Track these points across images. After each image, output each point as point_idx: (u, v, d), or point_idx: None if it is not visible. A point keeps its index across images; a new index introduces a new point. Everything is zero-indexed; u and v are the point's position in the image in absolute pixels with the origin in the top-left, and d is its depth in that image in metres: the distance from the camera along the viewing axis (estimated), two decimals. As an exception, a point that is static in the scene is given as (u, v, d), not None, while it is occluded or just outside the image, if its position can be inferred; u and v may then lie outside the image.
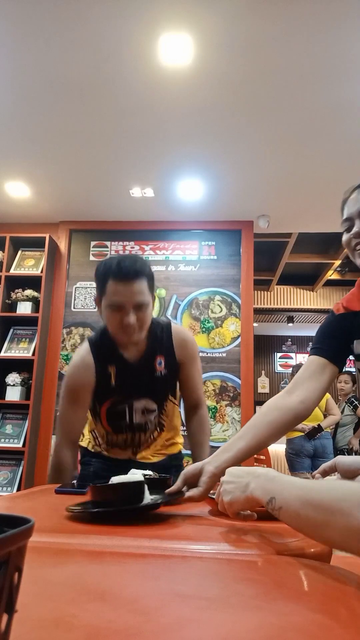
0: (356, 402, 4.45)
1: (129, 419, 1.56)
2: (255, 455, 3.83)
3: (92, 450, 1.64)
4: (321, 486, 0.67)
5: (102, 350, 1.52)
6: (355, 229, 1.15)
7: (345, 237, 1.19)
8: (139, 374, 1.53)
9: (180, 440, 1.72)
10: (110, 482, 0.97)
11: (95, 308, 4.00)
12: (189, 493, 1.02)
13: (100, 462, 1.62)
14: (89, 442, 1.67)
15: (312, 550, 0.71)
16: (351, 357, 1.23)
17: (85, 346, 1.55)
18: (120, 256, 1.43)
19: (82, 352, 1.54)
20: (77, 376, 1.51)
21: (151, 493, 1.11)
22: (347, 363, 1.30)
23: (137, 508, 0.89)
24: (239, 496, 0.80)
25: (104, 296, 1.41)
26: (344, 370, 4.93)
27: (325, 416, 4.38)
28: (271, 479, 0.75)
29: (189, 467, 1.09)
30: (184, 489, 1.02)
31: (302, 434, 4.27)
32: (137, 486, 0.92)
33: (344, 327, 1.21)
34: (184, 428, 1.70)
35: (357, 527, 0.56)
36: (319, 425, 4.25)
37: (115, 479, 0.98)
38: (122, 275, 1.36)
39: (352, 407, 4.47)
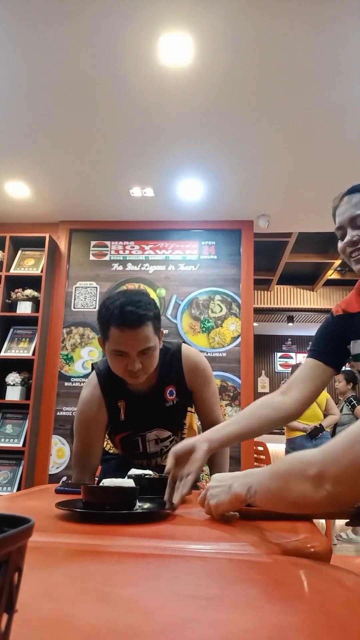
0: (354, 402, 4.45)
1: (143, 449, 1.56)
2: (255, 455, 3.83)
3: (111, 452, 1.68)
4: (282, 460, 0.77)
5: (110, 384, 1.48)
6: (347, 238, 1.15)
7: (340, 245, 1.19)
8: (149, 406, 1.49)
9: None
10: (102, 485, 0.98)
11: (95, 308, 4.01)
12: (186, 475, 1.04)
13: (120, 458, 1.65)
14: (109, 445, 1.68)
15: (312, 550, 0.71)
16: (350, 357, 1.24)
17: (93, 380, 1.52)
18: (123, 297, 1.35)
19: (90, 387, 1.51)
20: (89, 412, 1.48)
21: (151, 493, 1.12)
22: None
23: (131, 514, 0.89)
24: (224, 498, 0.86)
25: (107, 341, 1.36)
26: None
27: (325, 416, 4.39)
28: (248, 474, 0.84)
29: (179, 445, 1.10)
30: (177, 500, 1.01)
31: (304, 433, 4.27)
32: (129, 492, 0.93)
33: (341, 329, 1.23)
34: None
35: (309, 486, 0.67)
36: (320, 424, 4.25)
37: (107, 482, 0.98)
38: (125, 323, 1.31)
39: (350, 407, 4.48)
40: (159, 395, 1.50)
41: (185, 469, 1.05)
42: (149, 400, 1.49)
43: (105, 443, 1.66)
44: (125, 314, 1.31)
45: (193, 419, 1.70)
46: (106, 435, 1.61)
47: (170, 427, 1.56)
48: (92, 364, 1.59)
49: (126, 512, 0.89)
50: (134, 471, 1.19)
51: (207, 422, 1.60)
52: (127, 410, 1.49)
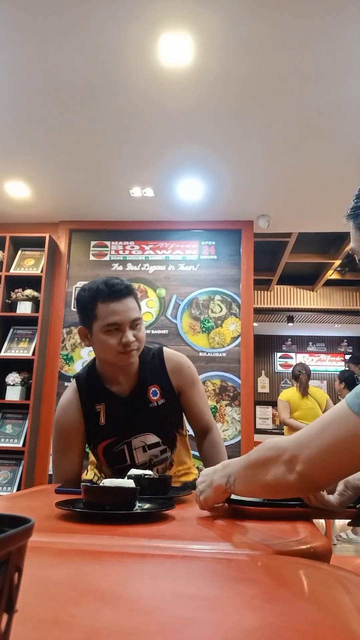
0: None
1: (130, 460, 1.45)
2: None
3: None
4: (257, 448, 0.82)
5: (89, 388, 1.44)
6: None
7: None
8: (132, 408, 1.43)
9: (195, 471, 1.58)
10: (102, 485, 0.98)
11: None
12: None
13: None
14: (95, 476, 1.58)
15: (312, 550, 0.71)
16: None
17: (72, 385, 1.48)
18: (104, 278, 1.36)
19: (68, 392, 1.46)
20: (64, 419, 1.44)
21: (151, 493, 1.12)
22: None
23: (130, 514, 0.89)
24: (209, 492, 0.92)
25: (95, 321, 1.33)
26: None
27: None
28: (227, 465, 0.90)
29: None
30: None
31: None
32: (129, 492, 0.93)
33: None
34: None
35: (283, 469, 0.73)
36: None
37: (107, 482, 0.98)
38: (113, 293, 1.32)
39: None
40: (142, 395, 1.43)
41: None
42: (131, 401, 1.43)
43: (92, 473, 1.59)
44: (113, 285, 1.33)
45: (184, 452, 1.57)
46: (89, 455, 1.52)
47: (158, 432, 1.46)
48: (73, 375, 1.54)
49: (126, 512, 0.89)
50: (134, 471, 1.19)
51: (199, 428, 1.54)
52: (107, 413, 1.42)
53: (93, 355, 1.47)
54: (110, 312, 1.31)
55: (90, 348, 1.43)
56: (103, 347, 1.35)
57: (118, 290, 1.32)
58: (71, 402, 1.44)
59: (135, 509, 0.92)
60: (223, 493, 0.90)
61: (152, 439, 1.46)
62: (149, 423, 1.45)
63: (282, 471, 0.74)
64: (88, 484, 1.16)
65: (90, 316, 1.35)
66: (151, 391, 1.44)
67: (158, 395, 1.44)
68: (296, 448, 0.73)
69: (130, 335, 1.32)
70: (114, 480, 0.98)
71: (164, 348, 1.52)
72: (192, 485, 1.39)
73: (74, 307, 4.08)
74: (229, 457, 1.62)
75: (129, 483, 0.98)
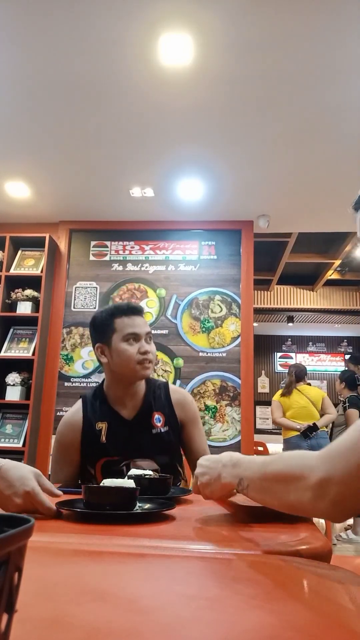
0: (348, 404, 4.44)
1: None
2: (255, 455, 3.83)
3: None
4: (277, 459, 0.77)
5: (93, 406, 1.53)
6: None
7: None
8: (135, 430, 1.49)
9: None
10: (102, 485, 0.98)
11: (95, 308, 4.02)
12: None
13: None
14: None
15: (312, 550, 0.71)
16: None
17: (78, 403, 1.56)
18: (121, 301, 1.51)
19: (73, 409, 1.55)
20: (64, 433, 1.52)
21: (151, 493, 1.12)
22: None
23: (131, 514, 0.89)
24: (216, 485, 0.90)
25: (114, 333, 1.48)
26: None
27: (322, 416, 4.39)
28: (237, 464, 0.86)
29: None
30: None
31: (298, 433, 4.27)
32: (129, 492, 0.93)
33: None
34: None
35: (310, 494, 0.65)
36: (314, 424, 4.24)
37: (107, 482, 0.98)
38: (132, 309, 1.51)
39: (343, 408, 4.48)
40: (146, 420, 1.51)
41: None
42: (134, 424, 1.50)
43: None
44: (129, 304, 1.54)
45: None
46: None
47: (158, 459, 1.49)
48: (80, 395, 1.62)
49: (126, 512, 0.89)
50: (134, 471, 1.19)
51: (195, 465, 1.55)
52: (109, 432, 1.48)
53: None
54: (128, 324, 1.48)
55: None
56: (123, 357, 1.47)
57: (134, 307, 1.52)
58: (74, 419, 1.52)
59: (135, 509, 0.92)
60: (230, 490, 0.89)
61: (151, 465, 1.47)
62: (150, 448, 1.49)
63: (308, 497, 0.65)
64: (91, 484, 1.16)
65: (109, 331, 1.49)
66: (155, 417, 1.52)
67: (161, 422, 1.52)
68: (327, 468, 0.63)
69: (146, 345, 1.48)
70: (114, 480, 0.98)
71: (169, 383, 1.66)
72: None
73: (74, 307, 4.08)
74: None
75: (129, 483, 0.98)
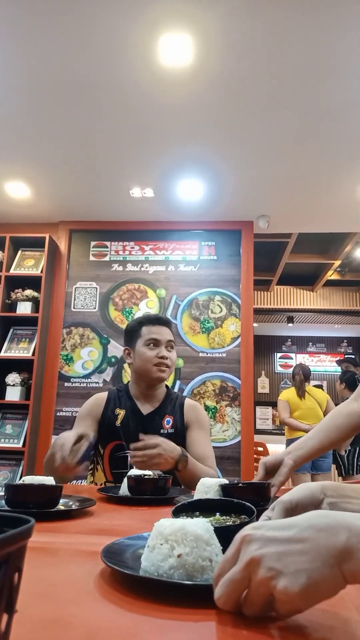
0: None
1: (130, 468, 1.51)
2: (255, 455, 3.83)
3: None
4: None
5: (118, 395, 1.71)
6: None
7: None
8: (146, 425, 1.63)
9: None
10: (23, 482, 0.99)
11: (95, 309, 4.02)
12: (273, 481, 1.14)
13: None
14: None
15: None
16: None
17: (103, 393, 1.75)
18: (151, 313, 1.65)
19: (98, 394, 1.74)
20: (90, 403, 1.69)
21: (152, 493, 1.12)
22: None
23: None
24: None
25: (139, 339, 1.68)
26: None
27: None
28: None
29: (270, 457, 1.23)
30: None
31: (304, 433, 4.26)
32: (51, 490, 0.94)
33: None
34: None
35: None
36: None
37: (27, 479, 0.99)
38: (157, 319, 1.72)
39: None
40: (158, 420, 1.65)
41: (273, 479, 1.16)
42: (147, 420, 1.65)
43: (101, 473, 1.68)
44: (159, 315, 1.75)
45: None
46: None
47: None
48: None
49: (48, 510, 0.88)
50: (133, 471, 1.19)
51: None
52: (124, 419, 1.64)
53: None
54: (151, 331, 1.68)
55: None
56: (143, 359, 1.65)
57: (161, 318, 1.73)
58: (100, 397, 1.71)
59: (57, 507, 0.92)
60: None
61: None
62: None
63: None
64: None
65: (136, 336, 1.70)
66: (166, 420, 1.66)
67: (170, 424, 1.66)
68: None
69: (165, 351, 1.65)
70: (35, 477, 1.00)
71: (187, 397, 1.81)
72: None
73: (74, 308, 4.08)
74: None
75: (49, 480, 0.99)
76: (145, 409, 1.67)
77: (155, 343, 1.65)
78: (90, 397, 1.73)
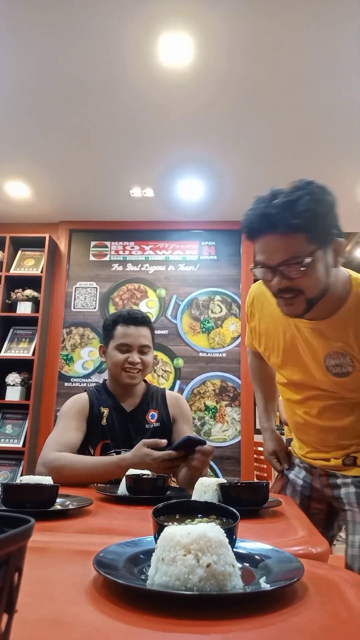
0: None
1: None
2: (255, 455, 3.83)
3: None
4: None
5: (97, 393, 1.66)
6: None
7: None
8: (131, 421, 1.61)
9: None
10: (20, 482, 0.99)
11: (95, 309, 4.02)
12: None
13: None
14: None
15: (312, 550, 0.72)
16: None
17: (83, 393, 1.67)
18: (129, 308, 1.59)
19: (79, 394, 1.66)
20: (76, 401, 1.61)
21: (150, 493, 1.12)
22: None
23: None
24: None
25: (111, 340, 1.62)
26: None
27: None
28: None
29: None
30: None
31: None
32: (47, 490, 0.94)
33: None
34: None
35: None
36: None
37: (25, 479, 0.99)
38: (131, 319, 1.61)
39: None
40: (142, 415, 1.63)
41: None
42: (132, 416, 1.62)
43: None
44: (133, 313, 1.63)
45: None
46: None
47: None
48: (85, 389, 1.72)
49: (44, 509, 0.88)
50: (131, 471, 1.19)
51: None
52: (109, 417, 1.60)
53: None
54: (124, 334, 1.60)
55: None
56: (112, 362, 1.60)
57: (135, 318, 1.61)
58: (82, 397, 1.63)
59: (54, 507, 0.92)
60: None
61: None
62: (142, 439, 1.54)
63: None
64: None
65: (109, 336, 1.64)
66: (150, 414, 1.64)
67: (155, 418, 1.64)
68: None
69: (136, 356, 1.58)
70: (33, 477, 0.99)
71: (166, 389, 1.78)
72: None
73: (74, 308, 4.08)
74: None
75: (47, 480, 0.98)
76: (128, 405, 1.64)
77: (128, 349, 1.59)
78: (72, 399, 1.64)
